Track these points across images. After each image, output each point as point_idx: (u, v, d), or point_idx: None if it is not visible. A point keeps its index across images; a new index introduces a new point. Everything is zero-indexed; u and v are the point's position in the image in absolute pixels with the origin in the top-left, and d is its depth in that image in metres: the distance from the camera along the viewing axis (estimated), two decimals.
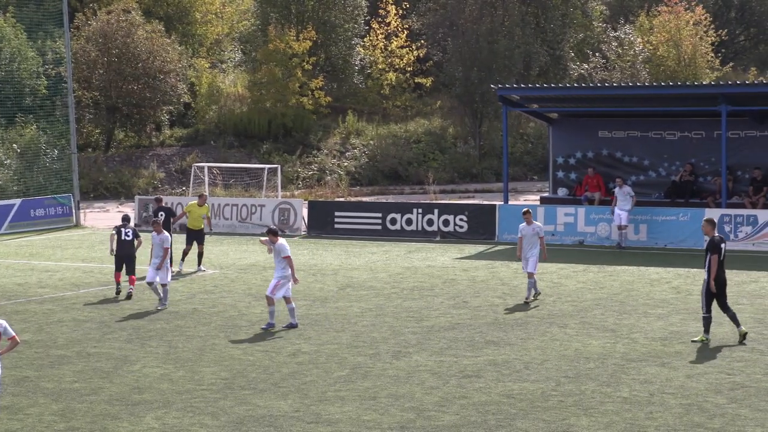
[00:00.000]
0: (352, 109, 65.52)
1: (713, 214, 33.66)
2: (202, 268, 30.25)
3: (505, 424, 14.99)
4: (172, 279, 25.99)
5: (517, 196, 50.56)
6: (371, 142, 62.50)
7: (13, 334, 14.18)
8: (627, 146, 38.33)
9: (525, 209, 25.36)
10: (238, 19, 72.82)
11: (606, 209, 35.37)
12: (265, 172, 50.90)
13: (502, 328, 21.61)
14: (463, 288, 26.83)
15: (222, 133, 62.72)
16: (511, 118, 55.38)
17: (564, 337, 20.63)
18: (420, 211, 38.04)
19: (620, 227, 34.39)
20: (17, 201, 43.25)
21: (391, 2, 68.02)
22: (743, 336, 19.97)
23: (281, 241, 21.90)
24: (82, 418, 15.48)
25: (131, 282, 25.97)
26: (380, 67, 67.92)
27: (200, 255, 30.39)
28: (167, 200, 37.26)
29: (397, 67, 67.80)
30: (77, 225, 43.85)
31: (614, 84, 53.29)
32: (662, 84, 44.93)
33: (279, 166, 51.54)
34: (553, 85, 55.17)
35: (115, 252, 26.37)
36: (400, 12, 68.60)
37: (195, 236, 30.48)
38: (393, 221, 38.12)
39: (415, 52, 67.41)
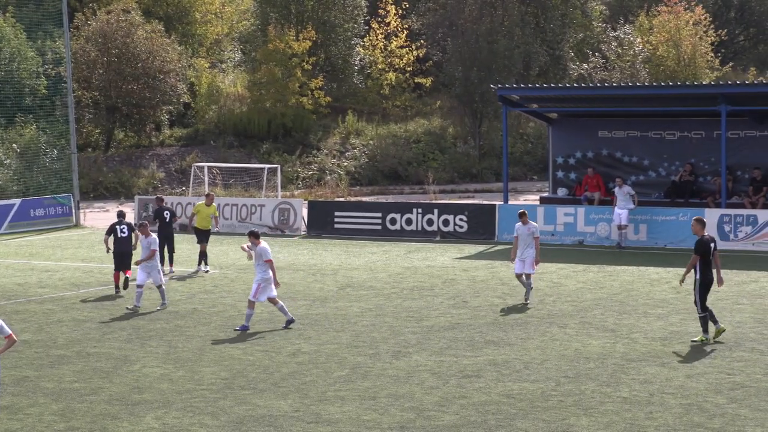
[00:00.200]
0: (351, 109, 65.53)
1: (713, 214, 33.70)
2: (203, 267, 30.25)
3: (505, 424, 14.99)
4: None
5: (517, 196, 50.56)
6: (371, 142, 62.52)
7: (10, 332, 14.16)
8: (627, 146, 38.33)
9: (521, 210, 25.28)
10: (237, 19, 72.84)
11: (606, 209, 35.37)
12: (265, 172, 50.91)
13: (502, 328, 21.61)
14: (463, 288, 26.83)
15: (222, 133, 62.73)
16: (511, 118, 55.39)
17: (564, 337, 20.63)
18: (420, 211, 38.04)
19: (620, 227, 34.39)
20: (17, 201, 43.26)
21: (390, 2, 68.03)
22: (719, 333, 20.05)
23: (263, 244, 21.86)
24: (82, 418, 15.48)
25: (125, 273, 26.11)
26: (380, 67, 67.94)
27: (204, 254, 30.36)
28: (166, 200, 37.22)
29: (396, 67, 67.82)
30: (77, 225, 43.86)
31: (614, 84, 53.30)
32: (662, 84, 44.93)
33: (279, 166, 51.55)
34: (552, 85, 55.17)
35: (113, 249, 26.43)
36: (400, 12, 68.62)
37: (205, 236, 30.50)
38: (393, 221, 38.12)
39: (414, 52, 67.43)
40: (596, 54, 65.53)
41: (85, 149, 59.21)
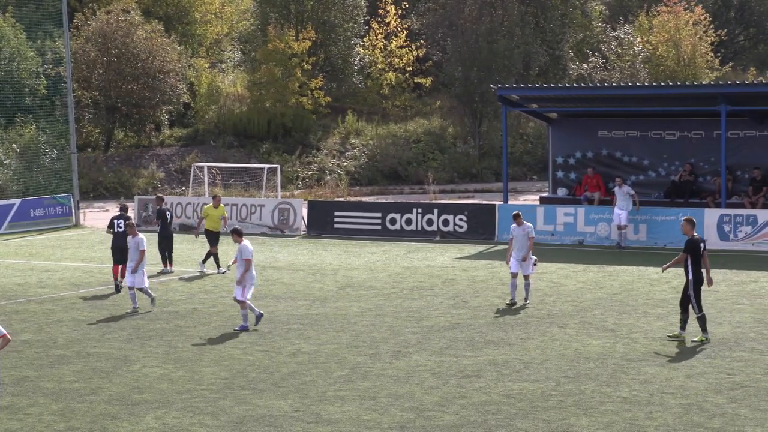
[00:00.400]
0: (351, 109, 65.51)
1: (713, 214, 33.72)
2: (205, 267, 30.13)
3: (505, 424, 14.99)
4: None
5: (516, 196, 50.55)
6: (371, 142, 62.51)
7: (4, 332, 14.14)
8: (627, 146, 38.33)
9: (515, 212, 25.15)
10: (237, 19, 72.83)
11: (606, 209, 35.38)
12: (265, 172, 50.90)
13: (502, 328, 21.61)
14: (463, 288, 26.83)
15: (221, 133, 62.72)
16: (511, 118, 55.39)
17: (564, 337, 20.63)
18: (419, 211, 38.04)
19: (620, 227, 34.39)
20: (17, 201, 43.25)
21: (390, 2, 68.01)
22: (676, 338, 20.04)
23: (244, 242, 21.88)
24: (82, 418, 15.48)
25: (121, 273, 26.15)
26: (380, 67, 67.92)
27: (209, 255, 30.25)
28: (166, 200, 37.19)
29: (396, 67, 67.80)
30: (77, 225, 43.86)
31: (614, 84, 53.29)
32: (662, 84, 44.94)
33: (278, 166, 51.53)
34: (552, 85, 55.16)
35: (110, 244, 26.51)
36: (400, 12, 68.60)
37: (215, 238, 30.40)
38: (393, 221, 38.12)
39: (414, 52, 67.41)
40: (596, 54, 65.52)
41: (85, 149, 59.19)
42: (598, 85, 53.34)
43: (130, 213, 33.23)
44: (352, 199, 50.73)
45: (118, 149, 61.89)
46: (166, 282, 28.49)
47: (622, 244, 34.24)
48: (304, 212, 39.98)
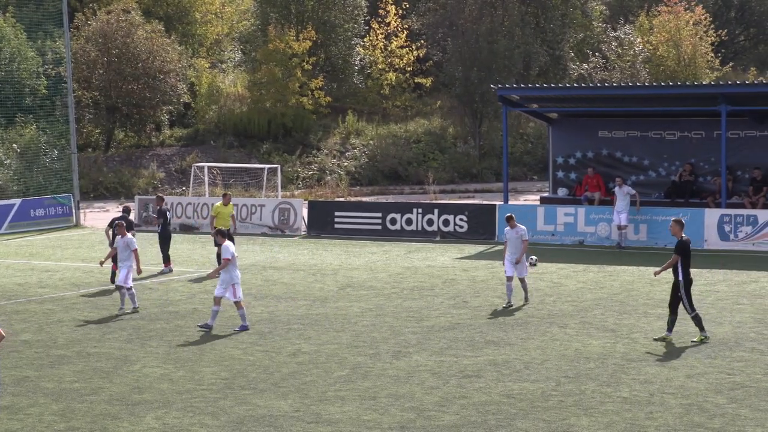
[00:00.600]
0: (352, 109, 65.52)
1: (713, 214, 33.72)
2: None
3: (505, 424, 14.99)
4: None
5: (517, 196, 50.55)
6: (371, 142, 62.51)
7: None
8: (627, 146, 38.33)
9: (508, 214, 25.12)
10: (237, 19, 72.83)
11: (606, 209, 35.37)
12: (265, 172, 50.90)
13: (502, 328, 21.61)
14: (463, 288, 26.83)
15: (222, 133, 62.73)
16: (511, 118, 55.38)
17: (564, 337, 20.63)
18: (420, 211, 38.04)
19: (620, 227, 34.39)
20: (17, 201, 43.26)
21: (390, 2, 68.01)
22: (662, 340, 20.01)
23: (226, 242, 21.95)
24: (82, 418, 15.48)
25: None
26: (380, 67, 67.93)
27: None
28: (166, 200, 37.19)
29: (396, 67, 67.80)
30: (77, 225, 43.86)
31: (614, 84, 53.29)
32: (662, 84, 44.93)
33: (279, 166, 51.52)
34: (553, 85, 55.17)
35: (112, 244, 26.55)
36: (400, 12, 68.60)
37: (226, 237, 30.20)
38: (393, 221, 38.12)
39: (414, 52, 67.41)
40: (596, 54, 65.53)
41: (85, 149, 59.19)
42: (599, 85, 53.33)
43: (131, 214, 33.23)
44: (353, 199, 50.73)
45: (119, 149, 61.90)
46: (167, 282, 28.50)
47: (623, 244, 34.24)
48: (305, 212, 39.98)
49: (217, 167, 53.82)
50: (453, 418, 15.30)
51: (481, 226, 36.91)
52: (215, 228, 30.27)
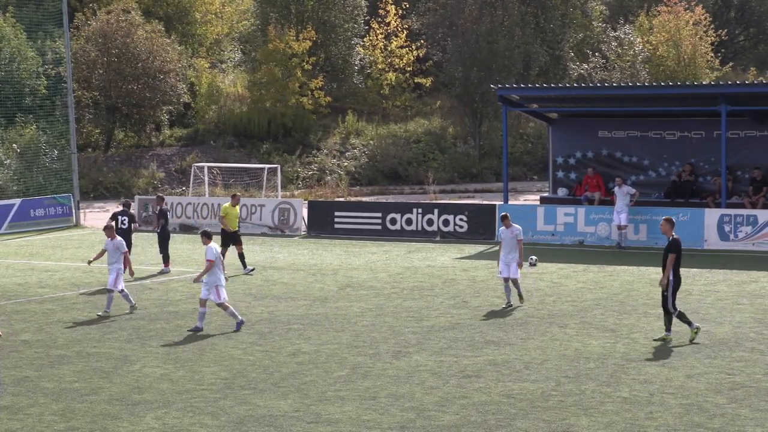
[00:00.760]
0: (351, 109, 65.51)
1: (713, 214, 33.72)
2: (250, 267, 29.95)
3: (505, 424, 14.99)
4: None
5: (517, 196, 50.55)
6: (371, 142, 62.51)
7: None
8: (627, 146, 38.33)
9: (503, 213, 25.08)
10: (237, 19, 72.82)
11: (606, 209, 35.37)
12: (265, 172, 50.89)
13: (502, 328, 21.61)
14: (463, 288, 26.83)
15: (222, 133, 62.73)
16: (511, 118, 55.38)
17: (564, 337, 20.63)
18: (420, 211, 38.04)
19: (620, 227, 34.39)
20: (17, 201, 43.26)
21: (390, 2, 68.01)
22: (662, 340, 20.01)
23: (211, 244, 21.82)
24: (82, 418, 15.48)
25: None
26: (380, 67, 67.92)
27: (242, 256, 29.90)
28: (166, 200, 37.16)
29: (396, 67, 67.80)
30: (77, 225, 43.87)
31: (614, 84, 53.30)
32: (662, 84, 44.94)
33: (279, 166, 51.52)
34: (552, 85, 55.16)
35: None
36: (400, 12, 68.60)
37: (232, 238, 30.03)
38: (393, 221, 38.12)
39: (414, 52, 67.41)
40: (596, 54, 65.53)
41: (85, 149, 59.19)
42: (599, 85, 53.34)
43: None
44: (353, 199, 50.73)
45: (119, 149, 61.90)
46: (167, 282, 28.50)
47: (623, 244, 34.24)
48: (305, 212, 39.98)
49: (217, 167, 53.82)
50: (453, 418, 15.30)
51: (481, 226, 36.91)
52: (223, 228, 30.37)
